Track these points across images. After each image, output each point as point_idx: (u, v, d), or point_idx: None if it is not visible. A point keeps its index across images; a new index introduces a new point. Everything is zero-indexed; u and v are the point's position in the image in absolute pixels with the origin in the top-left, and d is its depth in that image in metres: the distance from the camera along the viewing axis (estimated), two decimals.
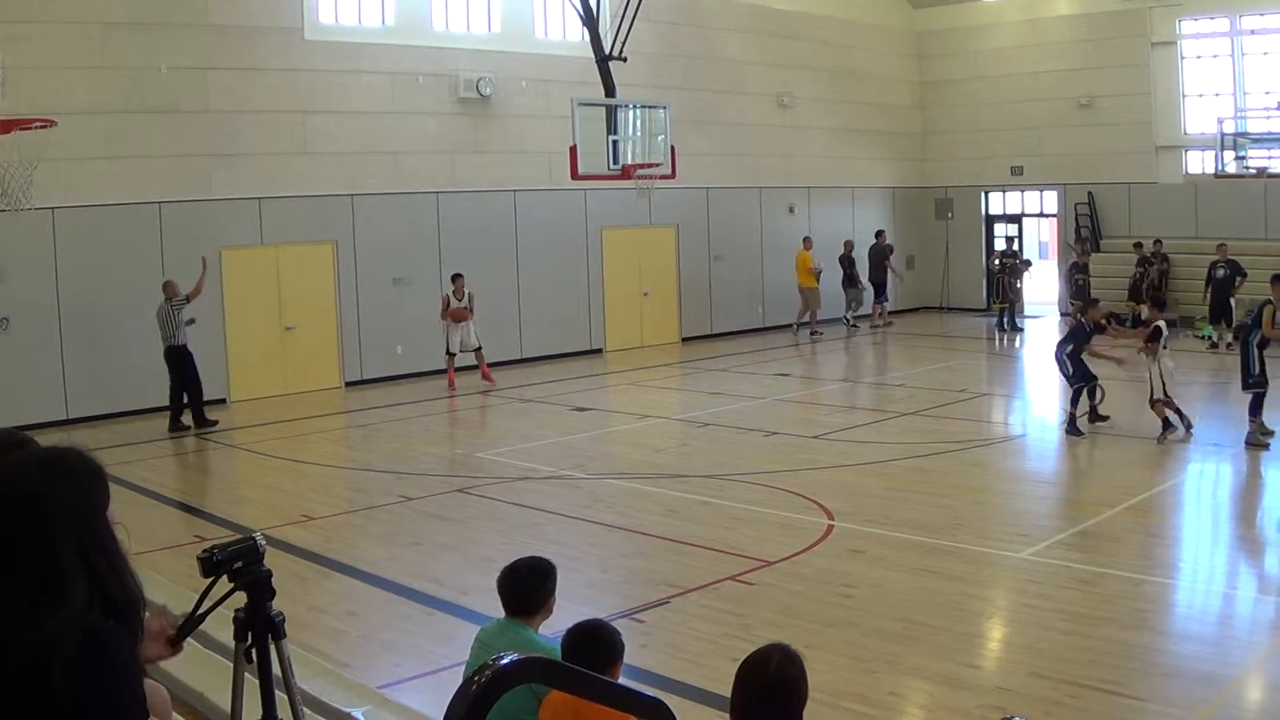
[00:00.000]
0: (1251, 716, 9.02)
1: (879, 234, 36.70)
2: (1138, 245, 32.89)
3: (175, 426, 22.04)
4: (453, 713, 3.14)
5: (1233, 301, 29.30)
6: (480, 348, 26.40)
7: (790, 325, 34.87)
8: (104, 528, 3.45)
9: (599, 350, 31.33)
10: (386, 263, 26.94)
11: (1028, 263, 34.88)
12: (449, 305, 25.96)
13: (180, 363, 21.99)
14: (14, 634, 3.17)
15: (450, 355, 26.24)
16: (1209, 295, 29.71)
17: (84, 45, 22.69)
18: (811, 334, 34.17)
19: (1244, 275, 29.33)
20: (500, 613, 6.89)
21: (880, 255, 35.99)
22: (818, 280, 34.49)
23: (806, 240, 35.01)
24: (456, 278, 26.07)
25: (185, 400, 22.19)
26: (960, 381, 23.69)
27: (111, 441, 20.40)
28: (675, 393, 26.16)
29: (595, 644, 6.02)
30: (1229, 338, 28.66)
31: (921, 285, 39.32)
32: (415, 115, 27.54)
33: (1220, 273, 29.66)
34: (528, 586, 6.83)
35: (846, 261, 35.78)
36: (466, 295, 25.98)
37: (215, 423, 22.27)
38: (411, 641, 10.86)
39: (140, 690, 3.39)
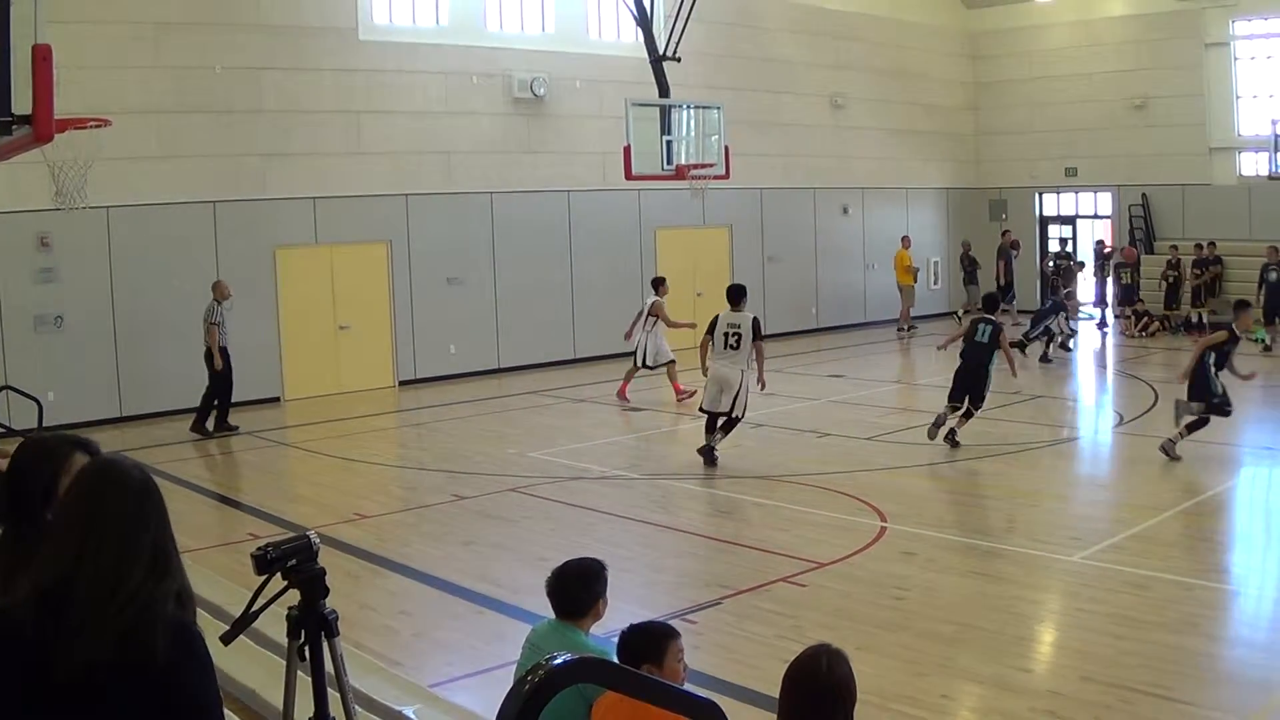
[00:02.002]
0: None
1: (1004, 233, 37.03)
2: (1197, 247, 32.83)
3: (200, 427, 21.88)
4: (505, 712, 3.15)
5: None
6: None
7: (895, 323, 35.61)
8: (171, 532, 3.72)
9: None
10: (440, 263, 27.03)
11: (1081, 264, 34.78)
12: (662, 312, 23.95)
13: (228, 363, 21.96)
14: (128, 599, 3.40)
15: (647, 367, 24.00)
16: (1262, 297, 29.55)
17: (138, 45, 22.87)
18: (908, 329, 35.05)
19: None
20: (551, 613, 6.90)
21: (1004, 253, 36.13)
22: (915, 279, 35.32)
23: (905, 240, 35.82)
24: (661, 282, 24.55)
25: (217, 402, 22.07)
26: (1013, 383, 23.58)
27: (165, 439, 20.54)
28: None
29: (645, 639, 6.07)
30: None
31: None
32: (469, 115, 27.62)
33: (1273, 275, 29.57)
34: (576, 589, 6.80)
35: (968, 260, 36.61)
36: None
37: (236, 428, 22.12)
38: (463, 640, 10.90)
39: (217, 689, 3.64)
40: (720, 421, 17.96)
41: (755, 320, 18.15)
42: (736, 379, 17.76)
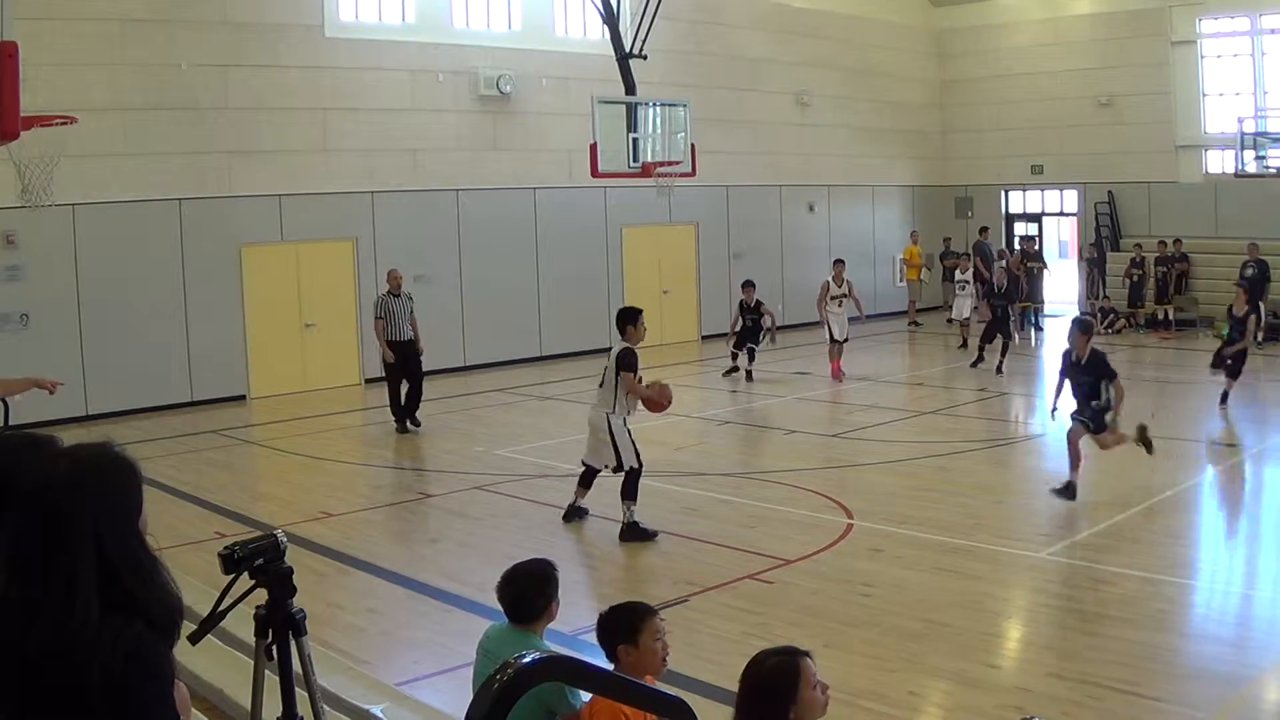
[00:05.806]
0: (1269, 717, 9.01)
1: (983, 230, 37.13)
2: (1161, 244, 32.98)
3: (403, 428, 21.51)
4: (475, 711, 3.14)
5: (1261, 304, 29.29)
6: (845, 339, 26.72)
7: (907, 318, 36.80)
8: (134, 533, 3.33)
9: None
10: (406, 260, 26.84)
11: (1040, 262, 34.91)
12: (828, 291, 26.86)
13: (402, 357, 21.47)
14: (64, 644, 3.06)
15: (836, 343, 26.42)
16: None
17: (104, 42, 22.75)
18: (911, 325, 35.94)
19: (1268, 279, 29.42)
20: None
21: (982, 251, 36.26)
22: (920, 275, 36.58)
23: (914, 235, 37.19)
24: (837, 263, 27.74)
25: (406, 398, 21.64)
26: (980, 380, 23.63)
27: (131, 438, 20.39)
28: (695, 390, 26.01)
29: (618, 619, 6.11)
30: (1259, 336, 28.85)
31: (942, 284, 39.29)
32: (435, 113, 27.57)
33: (1250, 272, 29.65)
34: (528, 594, 6.67)
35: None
36: (846, 283, 26.99)
37: (419, 426, 21.63)
38: (430, 638, 10.87)
39: (174, 707, 3.35)
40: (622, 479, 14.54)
41: (622, 351, 14.24)
42: (601, 425, 14.49)
